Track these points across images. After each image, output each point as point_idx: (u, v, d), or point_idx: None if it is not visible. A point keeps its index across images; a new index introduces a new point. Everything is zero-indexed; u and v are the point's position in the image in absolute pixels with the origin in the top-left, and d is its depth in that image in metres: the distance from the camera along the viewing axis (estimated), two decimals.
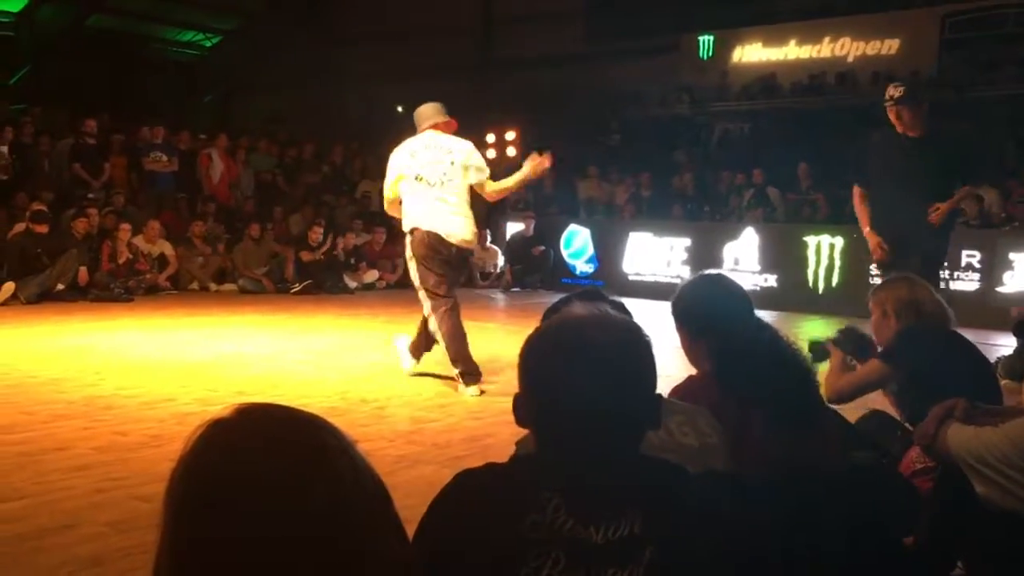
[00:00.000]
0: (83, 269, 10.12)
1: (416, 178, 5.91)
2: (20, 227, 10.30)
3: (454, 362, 5.79)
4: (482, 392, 5.68)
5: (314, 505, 0.96)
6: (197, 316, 9.11)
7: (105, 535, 3.18)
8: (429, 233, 5.83)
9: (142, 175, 12.83)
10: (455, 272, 6.08)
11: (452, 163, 5.89)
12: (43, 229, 10.14)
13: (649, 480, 1.37)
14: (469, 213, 5.93)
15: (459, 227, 5.87)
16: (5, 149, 11.87)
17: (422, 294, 6.00)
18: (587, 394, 1.36)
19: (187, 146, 13.52)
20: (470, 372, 5.77)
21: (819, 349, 3.42)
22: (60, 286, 10.00)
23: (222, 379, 5.91)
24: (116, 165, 12.62)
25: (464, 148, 5.98)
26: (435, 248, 5.84)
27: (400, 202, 6.05)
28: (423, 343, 6.21)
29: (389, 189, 6.15)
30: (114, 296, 10.13)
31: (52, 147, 12.29)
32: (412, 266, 6.06)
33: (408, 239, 5.99)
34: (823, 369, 3.31)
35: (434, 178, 5.86)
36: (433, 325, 5.92)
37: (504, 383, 5.81)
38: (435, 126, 6.07)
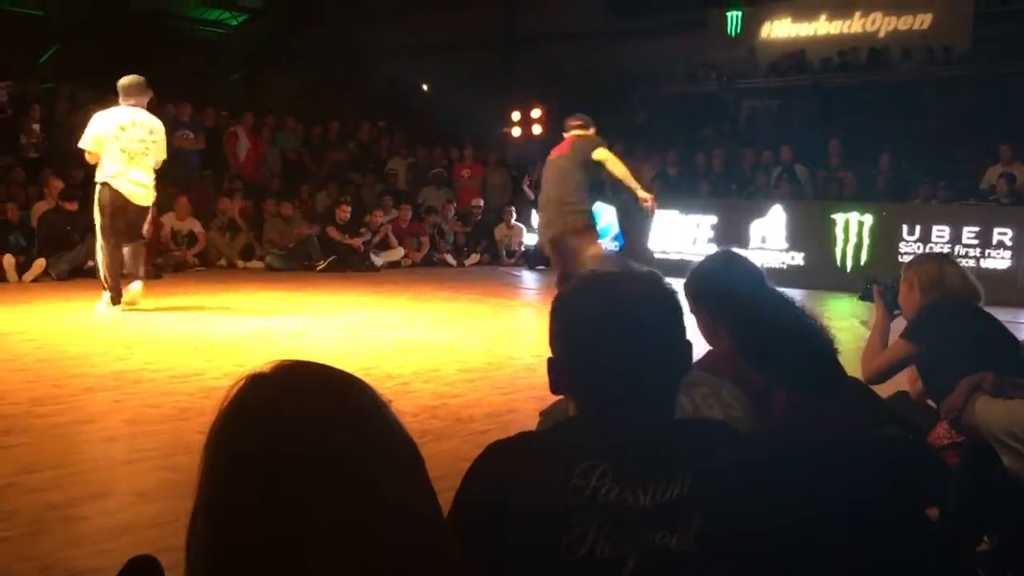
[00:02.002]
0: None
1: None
2: (49, 204, 10.41)
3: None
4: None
5: (347, 460, 0.97)
6: (224, 293, 9.19)
7: (135, 505, 3.23)
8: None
9: (169, 153, 12.89)
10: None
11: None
12: (73, 207, 10.24)
13: (697, 440, 1.34)
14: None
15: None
16: (36, 127, 11.99)
17: None
18: (628, 353, 1.33)
19: (213, 124, 13.58)
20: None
21: (868, 291, 3.64)
22: (90, 263, 10.09)
23: (249, 354, 5.96)
24: None
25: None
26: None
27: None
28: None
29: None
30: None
31: (81, 126, 12.38)
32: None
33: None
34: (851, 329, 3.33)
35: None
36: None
37: (527, 361, 5.83)
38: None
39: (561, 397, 1.48)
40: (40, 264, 9.69)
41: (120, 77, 8.01)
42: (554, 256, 7.69)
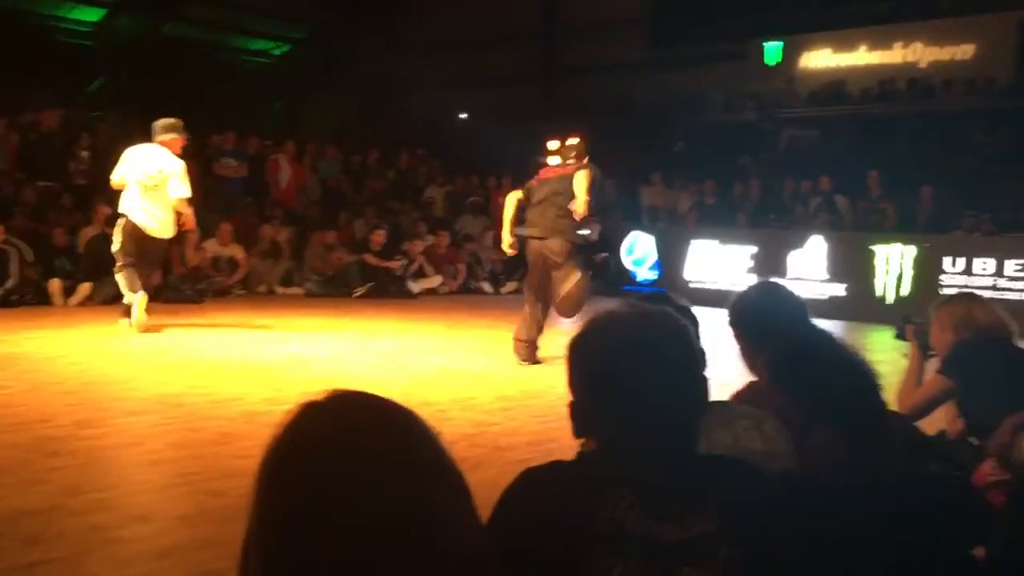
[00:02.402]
0: (156, 271, 10.39)
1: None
2: (96, 230, 10.62)
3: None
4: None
5: (397, 490, 0.99)
6: (264, 318, 9.29)
7: (176, 528, 3.27)
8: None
9: (212, 180, 13.14)
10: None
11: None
12: None
13: (724, 478, 1.36)
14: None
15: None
16: (85, 154, 12.27)
17: None
18: (648, 391, 1.35)
19: (256, 152, 13.80)
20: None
21: (903, 329, 3.65)
22: None
23: (288, 380, 6.02)
24: (188, 170, 12.91)
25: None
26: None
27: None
28: None
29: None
30: (185, 298, 10.39)
31: None
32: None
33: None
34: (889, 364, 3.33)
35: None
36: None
37: (564, 390, 5.81)
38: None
39: None
40: (85, 288, 9.87)
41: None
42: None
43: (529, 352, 7.03)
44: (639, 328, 1.43)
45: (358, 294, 11.84)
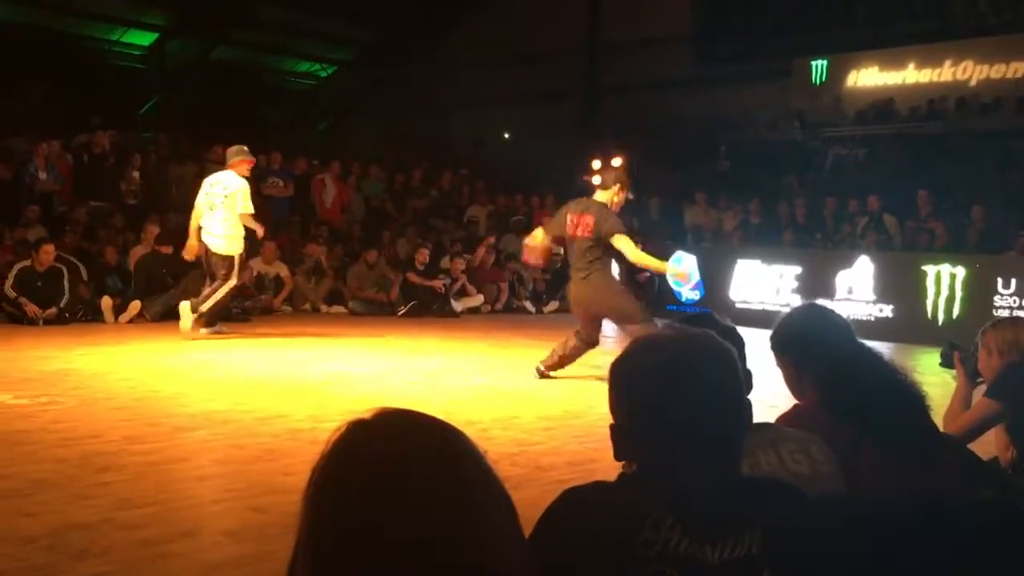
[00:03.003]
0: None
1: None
2: (146, 249, 10.83)
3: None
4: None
5: (444, 506, 1.00)
6: (309, 336, 9.39)
7: (223, 544, 3.30)
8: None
9: (260, 199, 13.34)
10: None
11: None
12: (168, 250, 10.64)
13: (767, 500, 1.35)
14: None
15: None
16: (136, 175, 12.54)
17: None
18: (690, 413, 1.35)
19: (302, 172, 13.99)
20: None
21: (948, 356, 3.59)
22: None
23: (332, 397, 6.07)
24: None
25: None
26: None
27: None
28: None
29: None
30: (232, 316, 10.52)
31: (179, 173, 12.93)
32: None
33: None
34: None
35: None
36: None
37: (606, 410, 5.78)
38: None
39: None
40: (135, 306, 10.06)
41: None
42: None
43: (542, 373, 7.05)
44: (681, 351, 1.43)
45: (401, 312, 11.91)
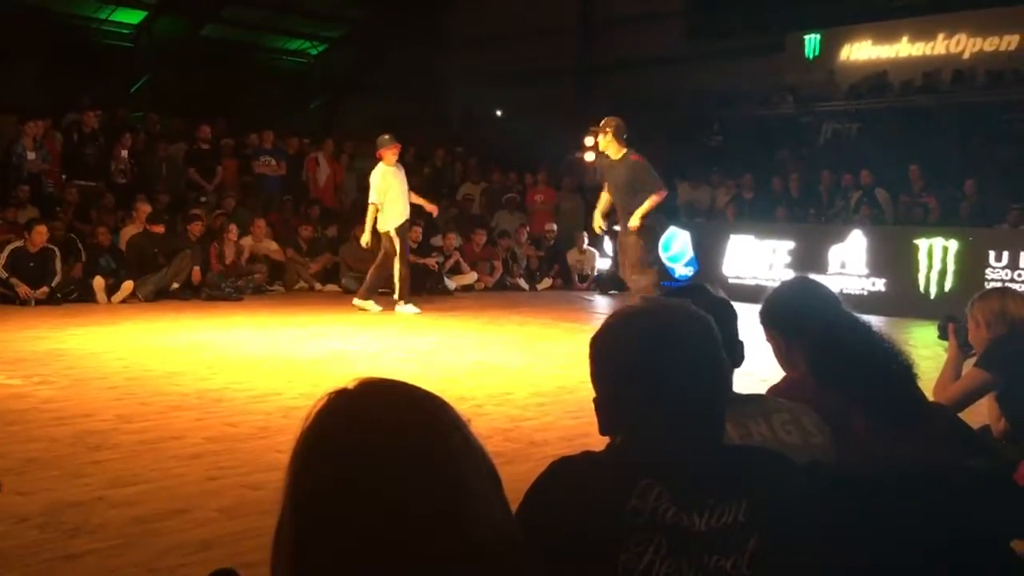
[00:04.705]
0: (196, 269, 10.54)
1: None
2: (137, 228, 10.79)
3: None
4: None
5: (426, 475, 1.00)
6: (303, 315, 9.37)
7: (216, 520, 3.31)
8: None
9: (252, 178, 13.29)
10: None
11: None
12: (160, 230, 10.60)
13: (754, 468, 1.35)
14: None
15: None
16: (125, 154, 12.46)
17: None
18: (673, 381, 1.36)
19: (295, 150, 13.92)
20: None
21: (944, 328, 3.62)
22: (175, 285, 10.43)
23: (326, 375, 6.07)
24: (227, 168, 13.11)
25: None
26: None
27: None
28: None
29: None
30: (225, 295, 10.51)
31: (168, 152, 12.86)
32: None
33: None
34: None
35: None
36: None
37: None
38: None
39: None
40: (128, 286, 10.03)
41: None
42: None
43: None
44: (659, 319, 1.44)
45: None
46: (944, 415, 2.50)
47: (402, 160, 15.22)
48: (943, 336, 3.63)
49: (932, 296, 10.76)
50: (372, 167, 14.78)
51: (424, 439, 1.03)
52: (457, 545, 0.99)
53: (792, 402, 2.02)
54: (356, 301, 9.74)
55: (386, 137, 9.89)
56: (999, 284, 9.85)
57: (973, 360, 3.39)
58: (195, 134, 12.92)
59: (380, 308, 9.69)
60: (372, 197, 9.72)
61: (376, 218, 9.70)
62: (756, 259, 12.30)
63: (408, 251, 10.02)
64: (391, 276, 9.83)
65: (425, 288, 11.97)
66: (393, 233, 9.73)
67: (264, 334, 8.00)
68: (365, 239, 9.85)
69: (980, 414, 3.47)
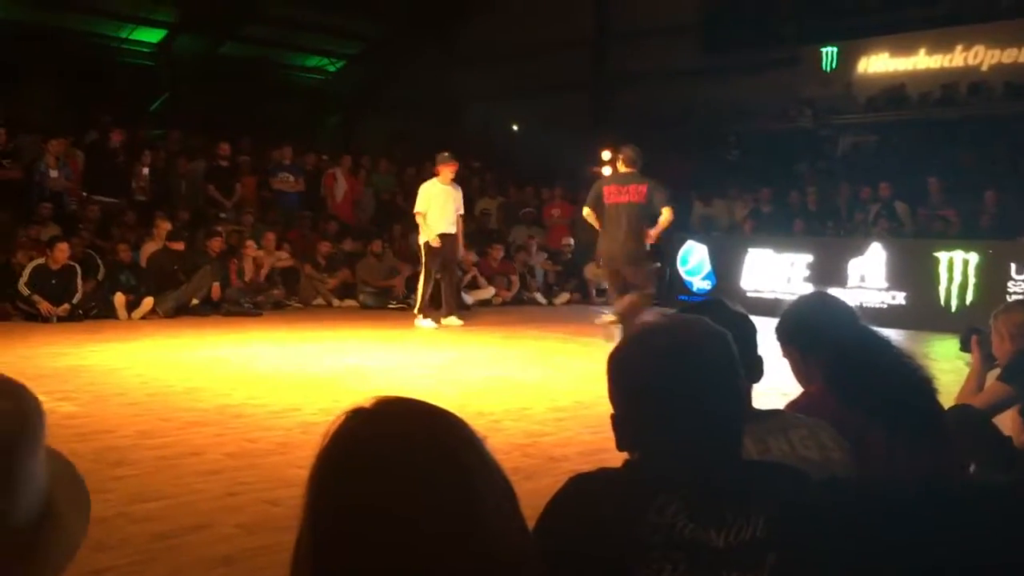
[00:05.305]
0: (216, 285, 10.61)
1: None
2: (157, 245, 10.87)
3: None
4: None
5: (442, 493, 1.00)
6: (321, 330, 9.41)
7: (235, 536, 3.32)
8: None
9: (270, 195, 13.38)
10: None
11: None
12: (180, 247, 10.69)
13: (772, 484, 1.35)
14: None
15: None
16: (146, 171, 12.58)
17: None
18: (690, 398, 1.36)
19: (313, 166, 14.01)
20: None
21: (967, 340, 3.57)
22: (195, 301, 10.51)
23: (344, 391, 6.08)
24: (246, 185, 13.22)
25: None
26: None
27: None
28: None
29: None
30: (244, 311, 10.57)
31: (188, 170, 12.98)
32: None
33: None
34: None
35: None
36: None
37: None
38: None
39: None
40: (148, 302, 10.10)
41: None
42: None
43: None
44: (676, 335, 1.44)
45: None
46: (971, 422, 2.47)
47: (419, 175, 15.38)
48: (965, 348, 3.60)
49: (953, 309, 10.67)
50: (389, 183, 14.97)
51: (439, 458, 1.03)
52: (473, 563, 0.99)
53: (810, 418, 2.01)
54: (444, 321, 9.95)
55: (445, 154, 10.20)
56: (1022, 297, 9.77)
57: (996, 373, 3.37)
58: (215, 151, 13.03)
59: (462, 322, 10.05)
60: (416, 207, 10.03)
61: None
62: (774, 273, 12.25)
63: (436, 268, 9.96)
64: (441, 286, 10.06)
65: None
66: (423, 246, 9.93)
67: (283, 350, 8.03)
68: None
69: (1003, 428, 3.44)
